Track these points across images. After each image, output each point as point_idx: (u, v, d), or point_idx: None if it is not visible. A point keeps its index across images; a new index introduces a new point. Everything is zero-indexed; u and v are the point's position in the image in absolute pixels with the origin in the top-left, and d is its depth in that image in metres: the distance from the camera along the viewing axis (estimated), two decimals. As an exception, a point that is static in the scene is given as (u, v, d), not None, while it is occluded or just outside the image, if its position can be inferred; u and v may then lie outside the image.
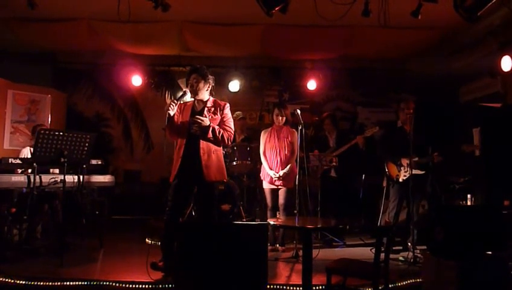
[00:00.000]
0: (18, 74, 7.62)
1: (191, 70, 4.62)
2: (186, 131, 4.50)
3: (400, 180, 5.76)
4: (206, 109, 4.58)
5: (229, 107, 4.73)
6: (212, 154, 4.55)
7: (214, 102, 4.67)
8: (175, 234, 4.44)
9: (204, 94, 4.63)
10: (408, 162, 5.64)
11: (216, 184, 4.71)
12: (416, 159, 5.54)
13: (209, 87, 4.65)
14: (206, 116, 4.48)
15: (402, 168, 5.75)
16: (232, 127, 4.71)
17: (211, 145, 4.53)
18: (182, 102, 4.61)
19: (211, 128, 4.44)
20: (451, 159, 5.69)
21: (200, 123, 4.39)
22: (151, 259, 4.47)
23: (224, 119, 4.65)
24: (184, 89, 4.51)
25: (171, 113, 4.35)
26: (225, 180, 5.02)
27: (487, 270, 3.96)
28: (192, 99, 4.64)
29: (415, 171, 5.56)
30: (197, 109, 4.60)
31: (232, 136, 4.70)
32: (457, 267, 3.88)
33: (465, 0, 4.53)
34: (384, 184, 6.24)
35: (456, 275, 3.86)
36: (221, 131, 4.53)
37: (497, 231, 4.21)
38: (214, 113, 4.59)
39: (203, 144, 4.48)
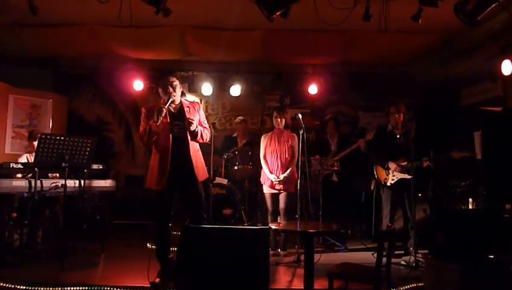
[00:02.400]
0: (19, 79, 7.63)
1: (169, 74, 4.63)
2: (168, 135, 4.46)
3: (388, 184, 5.76)
4: (186, 110, 4.58)
5: (201, 107, 4.87)
6: (197, 154, 4.62)
7: (190, 103, 4.72)
8: (168, 240, 4.52)
9: (179, 96, 4.65)
10: (395, 166, 5.65)
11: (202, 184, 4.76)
12: (405, 163, 5.54)
13: (181, 88, 4.69)
14: (193, 118, 4.48)
15: (390, 172, 5.75)
16: (207, 124, 4.81)
17: (195, 145, 4.60)
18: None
19: (199, 130, 4.50)
20: (443, 164, 5.69)
21: (191, 125, 4.41)
22: (152, 264, 4.46)
23: (202, 119, 4.72)
24: (169, 94, 4.45)
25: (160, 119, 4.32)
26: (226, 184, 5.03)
27: (489, 274, 3.95)
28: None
29: (402, 175, 5.58)
30: (174, 111, 4.58)
31: (210, 133, 4.80)
32: (459, 271, 3.87)
33: (465, 4, 4.55)
34: (372, 187, 6.26)
35: (458, 278, 3.86)
36: (204, 130, 4.61)
37: (498, 235, 4.20)
38: (193, 113, 4.60)
39: (191, 145, 4.52)
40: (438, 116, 7.59)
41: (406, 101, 6.28)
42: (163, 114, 4.28)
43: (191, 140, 4.51)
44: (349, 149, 6.54)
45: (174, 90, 4.49)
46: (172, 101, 4.47)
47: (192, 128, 4.43)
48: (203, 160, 4.74)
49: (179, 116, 4.52)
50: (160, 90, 4.54)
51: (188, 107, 4.61)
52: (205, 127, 4.67)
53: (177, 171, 4.45)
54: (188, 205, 4.69)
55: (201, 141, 4.59)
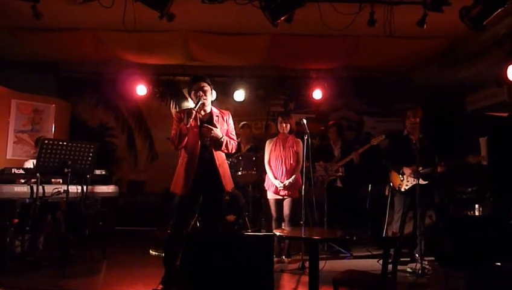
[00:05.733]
0: (22, 84, 7.64)
1: (199, 77, 4.58)
2: (197, 142, 4.45)
3: (403, 189, 5.71)
4: (215, 119, 4.56)
5: (231, 116, 4.77)
6: (224, 163, 4.61)
7: (220, 112, 4.67)
8: (179, 247, 4.40)
9: (209, 103, 4.62)
10: (410, 171, 5.59)
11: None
12: (420, 168, 5.49)
13: (212, 95, 4.66)
14: (217, 128, 4.46)
15: (404, 177, 5.70)
16: (235, 135, 4.77)
17: (222, 154, 4.58)
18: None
19: (225, 140, 4.46)
20: (457, 169, 5.63)
21: (217, 135, 4.39)
22: (155, 271, 4.42)
23: (230, 129, 4.67)
24: (200, 98, 4.43)
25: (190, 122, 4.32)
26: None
27: (496, 282, 3.91)
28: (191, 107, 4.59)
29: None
30: (203, 119, 4.56)
31: (236, 145, 4.75)
32: (466, 279, 3.84)
33: (471, 9, 4.53)
34: (387, 193, 6.21)
35: (465, 286, 3.82)
36: (230, 141, 4.57)
37: (505, 242, 4.17)
38: (221, 123, 4.58)
39: (216, 154, 4.50)
40: (443, 122, 7.56)
41: (410, 106, 6.22)
42: (193, 116, 4.30)
43: (214, 150, 4.49)
44: (347, 158, 6.50)
45: (205, 94, 4.47)
46: (203, 104, 4.46)
47: (216, 136, 4.41)
48: (228, 170, 4.74)
49: (208, 125, 4.49)
50: (191, 93, 4.56)
51: (217, 116, 4.59)
52: (232, 138, 4.64)
53: (204, 178, 4.43)
54: (208, 211, 4.65)
55: (225, 151, 4.56)
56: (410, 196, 5.62)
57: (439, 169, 5.48)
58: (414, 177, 5.56)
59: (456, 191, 6.33)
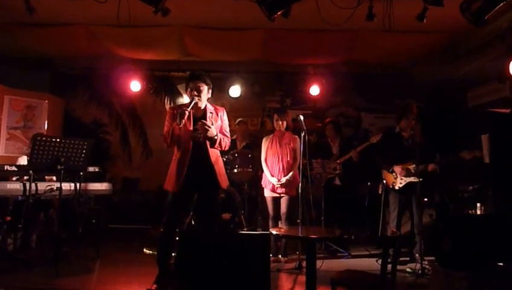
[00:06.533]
0: (15, 80, 7.55)
1: (196, 76, 4.52)
2: (190, 138, 4.39)
3: (396, 187, 5.64)
4: (208, 116, 4.49)
5: (225, 113, 4.71)
6: (219, 160, 4.56)
7: (214, 108, 4.61)
8: (173, 245, 4.34)
9: (205, 101, 4.55)
10: (400, 170, 5.52)
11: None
12: (412, 166, 5.41)
13: (209, 94, 4.59)
14: (212, 124, 4.39)
15: (395, 174, 5.63)
16: (229, 132, 4.73)
17: (216, 151, 4.53)
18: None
19: (219, 137, 4.39)
20: (451, 166, 5.56)
21: (208, 130, 4.31)
22: (150, 269, 4.34)
23: (224, 126, 4.62)
24: (194, 97, 4.36)
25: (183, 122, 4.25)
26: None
27: (498, 282, 3.86)
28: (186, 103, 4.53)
29: (410, 179, 5.45)
30: (197, 115, 4.49)
31: (230, 142, 4.70)
32: (467, 279, 3.79)
33: (472, 3, 4.47)
34: (380, 191, 6.18)
35: (467, 286, 3.77)
36: (224, 138, 4.50)
37: (507, 241, 4.12)
38: (215, 119, 4.52)
39: (211, 151, 4.45)
40: (444, 119, 7.49)
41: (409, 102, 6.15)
42: (186, 116, 4.23)
43: (210, 147, 4.43)
44: (346, 156, 6.44)
45: (199, 94, 4.42)
46: (196, 104, 4.40)
47: (210, 134, 4.33)
48: (223, 167, 4.69)
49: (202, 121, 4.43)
50: (187, 90, 4.52)
51: (211, 112, 4.54)
52: (226, 135, 4.59)
53: (197, 175, 4.37)
54: (203, 209, 4.59)
55: (219, 148, 4.52)
56: (405, 194, 5.55)
57: (430, 167, 5.40)
58: (405, 177, 5.49)
59: (457, 189, 6.28)
